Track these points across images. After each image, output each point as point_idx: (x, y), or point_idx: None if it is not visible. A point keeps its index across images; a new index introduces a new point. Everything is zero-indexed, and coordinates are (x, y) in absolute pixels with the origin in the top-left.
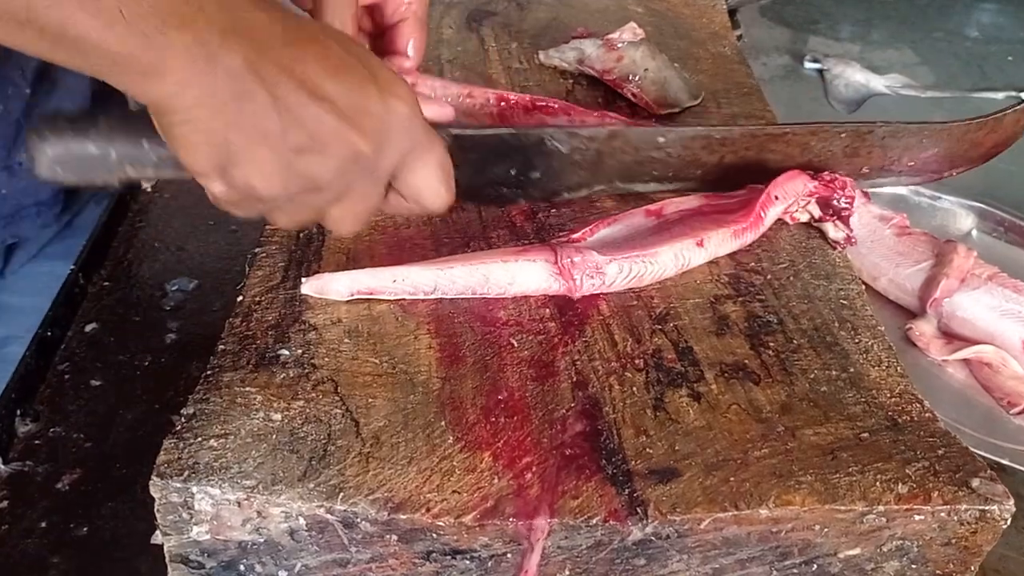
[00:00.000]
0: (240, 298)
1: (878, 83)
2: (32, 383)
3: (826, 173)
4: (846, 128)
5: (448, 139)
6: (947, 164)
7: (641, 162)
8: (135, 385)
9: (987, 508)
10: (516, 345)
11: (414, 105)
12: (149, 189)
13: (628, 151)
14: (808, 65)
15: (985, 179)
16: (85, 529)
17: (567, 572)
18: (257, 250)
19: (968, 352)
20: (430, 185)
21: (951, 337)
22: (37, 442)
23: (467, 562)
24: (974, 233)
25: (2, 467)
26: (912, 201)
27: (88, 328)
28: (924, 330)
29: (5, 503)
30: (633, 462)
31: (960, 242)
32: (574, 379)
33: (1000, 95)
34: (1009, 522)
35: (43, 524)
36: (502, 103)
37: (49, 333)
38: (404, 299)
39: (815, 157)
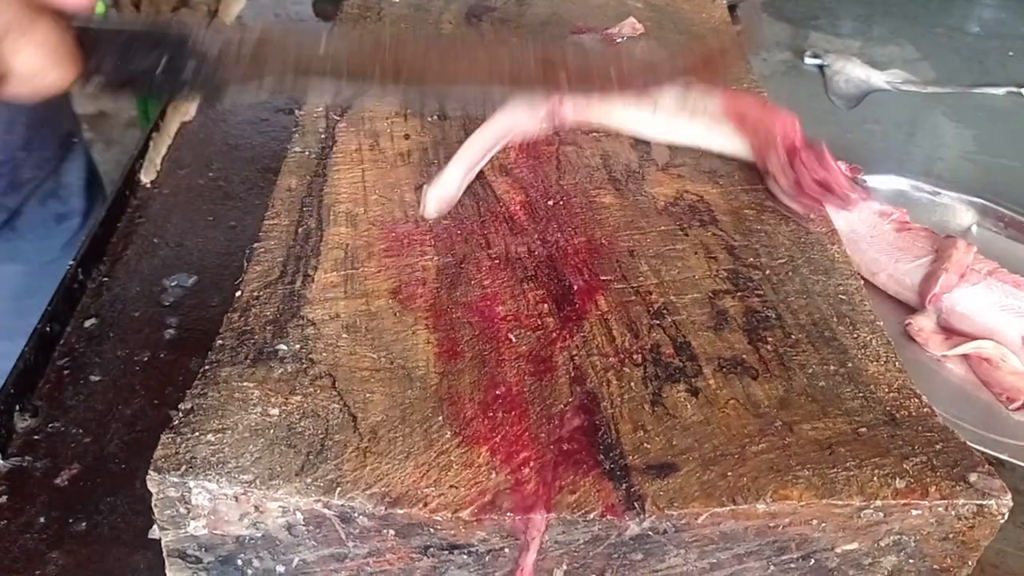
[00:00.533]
0: (238, 293)
1: (879, 79)
2: (31, 378)
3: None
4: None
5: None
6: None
7: (309, 66)
8: (134, 381)
9: (984, 503)
10: (514, 340)
11: None
12: (148, 184)
13: (288, 56)
14: (808, 61)
15: (985, 175)
16: (84, 524)
17: (564, 567)
18: (255, 245)
19: (967, 348)
20: (34, 65)
21: (950, 332)
22: (36, 437)
23: (464, 557)
24: (974, 229)
25: (1, 462)
26: (912, 196)
27: (87, 324)
28: (923, 325)
29: (4, 498)
30: (630, 457)
31: (960, 238)
32: (572, 374)
33: (1001, 91)
34: (1007, 517)
35: (42, 519)
36: None
37: (48, 328)
38: (402, 294)
39: (506, 65)
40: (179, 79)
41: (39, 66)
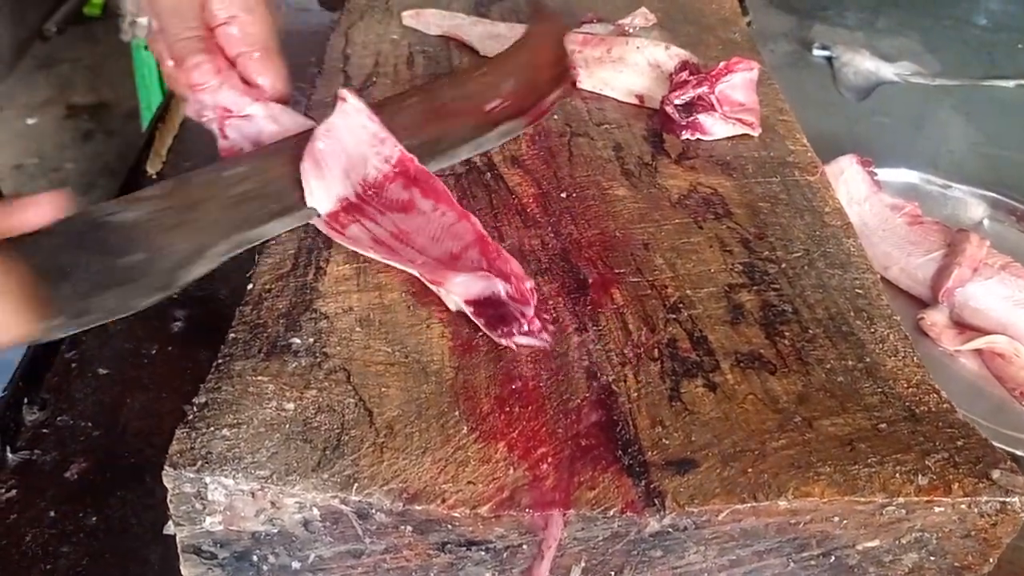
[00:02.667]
0: (250, 286)
1: (887, 71)
2: (39, 371)
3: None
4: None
5: None
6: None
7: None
8: (142, 374)
9: (1008, 500)
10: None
11: None
12: (154, 176)
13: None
14: (817, 52)
15: (995, 168)
16: (94, 518)
17: (583, 564)
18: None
19: (981, 342)
20: None
21: (963, 327)
22: (45, 430)
23: (482, 553)
24: (986, 222)
25: (10, 456)
26: (923, 190)
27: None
28: (936, 320)
29: (13, 492)
30: (649, 453)
31: (973, 231)
32: (588, 369)
33: (1010, 83)
34: None
35: (52, 513)
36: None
37: None
38: (416, 288)
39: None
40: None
41: None
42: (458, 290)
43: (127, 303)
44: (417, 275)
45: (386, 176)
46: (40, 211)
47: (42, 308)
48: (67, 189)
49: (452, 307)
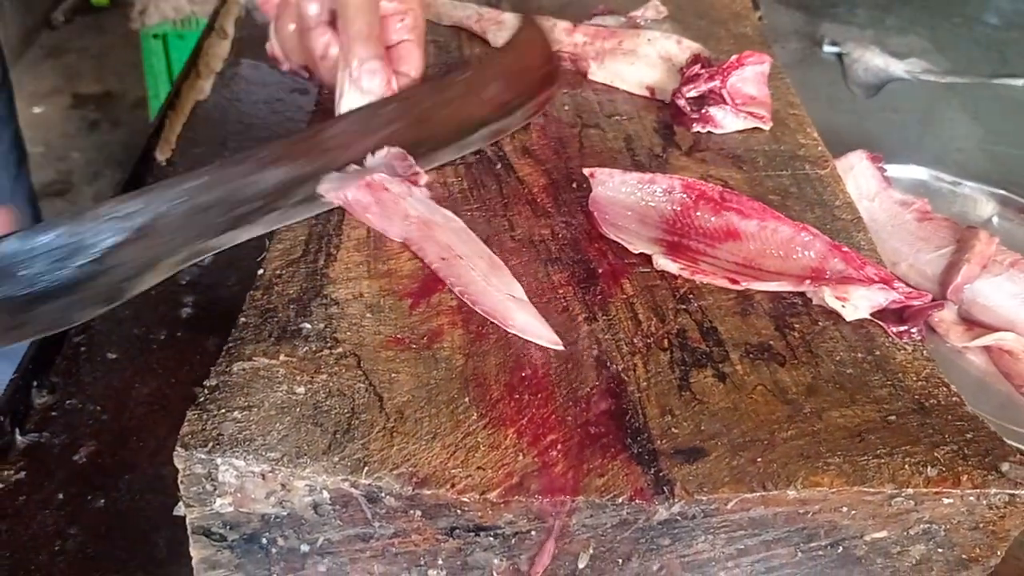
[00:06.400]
0: (261, 271)
1: (898, 68)
2: (48, 355)
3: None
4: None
5: None
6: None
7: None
8: (151, 359)
9: (1017, 492)
10: None
11: None
12: (163, 163)
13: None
14: (827, 49)
15: (1004, 166)
16: (102, 501)
17: (591, 551)
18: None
19: (988, 339)
20: None
21: (971, 324)
22: (54, 413)
23: (491, 539)
24: (995, 220)
25: (19, 438)
26: (932, 187)
27: None
28: (944, 316)
29: (22, 474)
30: (659, 441)
31: (982, 228)
32: (598, 357)
33: (1020, 82)
34: None
35: (60, 495)
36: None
37: None
38: (426, 274)
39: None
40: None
41: None
42: (864, 304)
43: (67, 316)
44: (807, 292)
45: (686, 207)
46: None
47: None
48: (12, 208)
49: (849, 317)
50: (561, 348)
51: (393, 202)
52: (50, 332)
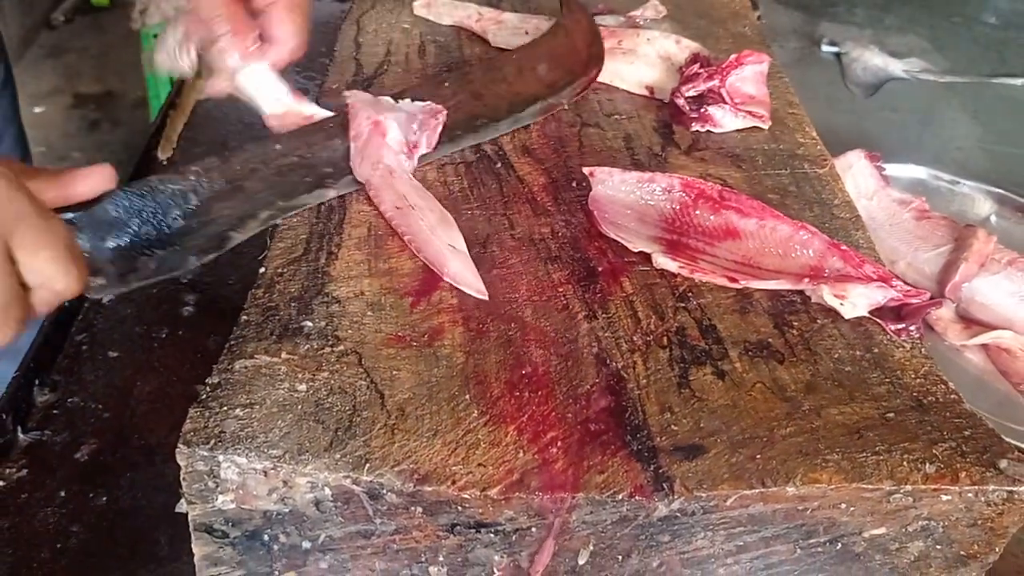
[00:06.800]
0: (262, 270)
1: (896, 67)
2: (50, 353)
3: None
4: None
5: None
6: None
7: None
8: (152, 357)
9: (1014, 489)
10: (539, 321)
11: (11, 180)
12: (165, 162)
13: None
14: (826, 48)
15: (1002, 165)
16: (104, 499)
17: (591, 547)
18: (278, 222)
19: (986, 337)
20: (53, 266)
21: (969, 322)
22: (55, 411)
23: (491, 536)
24: (993, 218)
25: (21, 436)
26: (931, 186)
27: (105, 300)
28: (942, 315)
29: (24, 472)
30: (658, 438)
31: (980, 227)
32: (597, 355)
33: (1019, 81)
34: None
35: (62, 493)
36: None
37: (66, 304)
38: (425, 273)
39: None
40: (179, 244)
41: (60, 267)
42: (862, 302)
43: (172, 264)
44: (805, 290)
45: (685, 206)
46: (89, 182)
47: (89, 268)
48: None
49: (847, 315)
50: (486, 298)
51: (376, 146)
52: (159, 278)
